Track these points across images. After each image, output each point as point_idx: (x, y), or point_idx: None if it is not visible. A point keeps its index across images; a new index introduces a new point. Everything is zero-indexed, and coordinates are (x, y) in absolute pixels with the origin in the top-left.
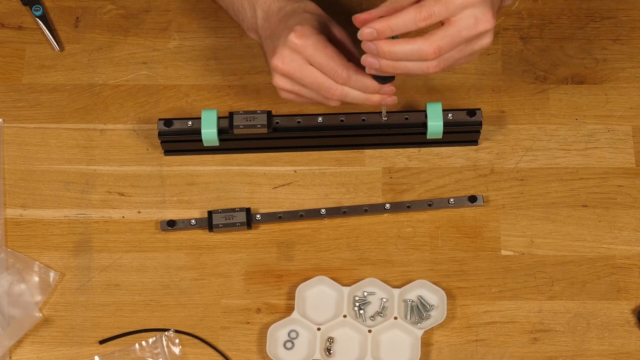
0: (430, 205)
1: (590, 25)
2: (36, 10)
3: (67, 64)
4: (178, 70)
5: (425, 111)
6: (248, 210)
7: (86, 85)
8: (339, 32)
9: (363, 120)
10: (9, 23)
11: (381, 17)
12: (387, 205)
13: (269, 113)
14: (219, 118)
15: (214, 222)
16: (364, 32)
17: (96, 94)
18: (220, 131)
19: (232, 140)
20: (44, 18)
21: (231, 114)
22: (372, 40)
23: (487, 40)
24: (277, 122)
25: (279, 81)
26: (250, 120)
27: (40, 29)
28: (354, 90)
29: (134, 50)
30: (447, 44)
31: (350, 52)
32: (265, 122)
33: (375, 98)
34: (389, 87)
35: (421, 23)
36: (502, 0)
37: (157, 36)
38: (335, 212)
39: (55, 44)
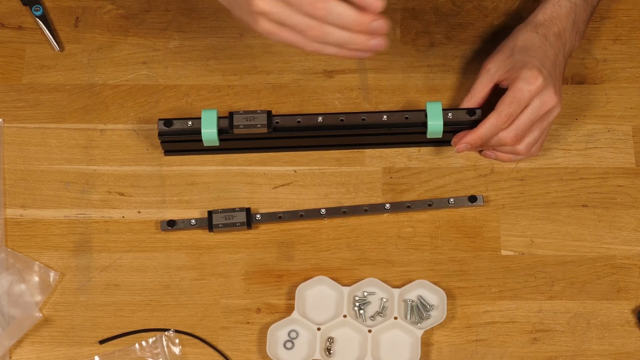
0: (430, 205)
1: (590, 25)
2: (36, 10)
3: (67, 64)
4: (178, 70)
5: (425, 110)
6: (248, 210)
7: (86, 85)
8: None
9: (363, 120)
10: (9, 23)
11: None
12: (387, 205)
13: (269, 113)
14: (219, 118)
15: (214, 222)
16: (459, 148)
17: (96, 94)
18: (220, 131)
19: (232, 140)
20: (44, 18)
21: (231, 114)
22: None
23: (555, 113)
24: (277, 122)
25: (260, 1)
26: (250, 120)
27: (40, 29)
28: (336, 30)
29: (134, 50)
30: (523, 128)
31: None
32: (265, 122)
33: (361, 39)
34: (381, 22)
35: (504, 126)
36: (567, 56)
37: (157, 36)
38: (335, 212)
39: (55, 44)
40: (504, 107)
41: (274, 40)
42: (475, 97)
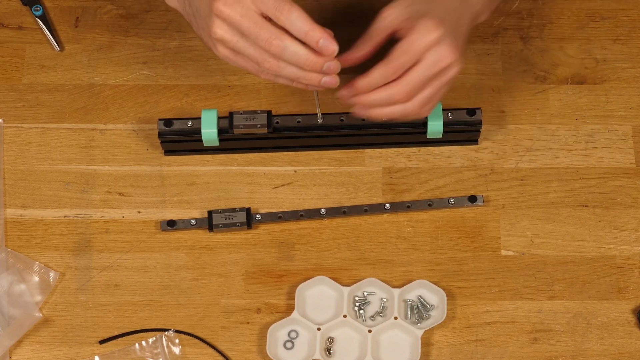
0: (430, 205)
1: (590, 25)
2: (36, 10)
3: (67, 64)
4: (178, 70)
5: None
6: (248, 210)
7: (86, 85)
8: None
9: (363, 120)
10: (9, 23)
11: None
12: (387, 205)
13: (269, 113)
14: (219, 118)
15: (214, 222)
16: (341, 94)
17: (96, 94)
18: (220, 131)
19: (232, 140)
20: (44, 18)
21: (231, 114)
22: (350, 98)
23: (453, 71)
24: (277, 122)
25: (218, 29)
26: (250, 120)
27: (40, 29)
28: (290, 66)
29: (134, 50)
30: (416, 85)
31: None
32: (265, 122)
33: (313, 77)
34: (334, 64)
35: (393, 76)
36: (473, 20)
37: (157, 36)
38: (335, 212)
39: (55, 44)
40: (394, 57)
41: (230, 64)
42: (363, 47)
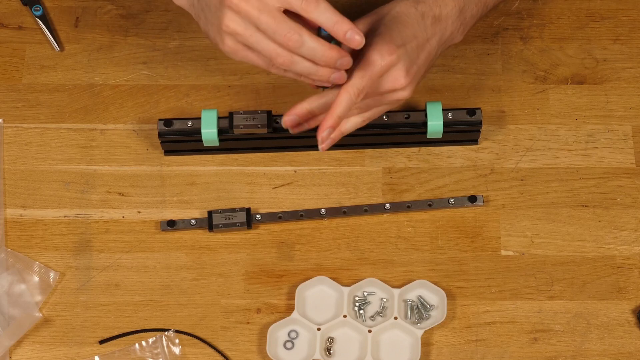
0: (430, 205)
1: (590, 25)
2: (36, 10)
3: (67, 64)
4: (178, 70)
5: (425, 110)
6: (248, 210)
7: (86, 85)
8: None
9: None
10: (9, 23)
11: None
12: (387, 205)
13: (269, 113)
14: (219, 118)
15: (214, 222)
16: (323, 138)
17: (96, 94)
18: (220, 131)
19: (232, 140)
20: (44, 18)
21: (231, 114)
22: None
23: (398, 96)
24: (277, 122)
25: (231, 22)
26: (250, 120)
27: (40, 29)
28: (304, 61)
29: (134, 50)
30: (363, 89)
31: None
32: (265, 122)
33: (324, 72)
34: (347, 60)
35: (358, 100)
36: (444, 43)
37: (157, 36)
38: (335, 212)
39: (55, 44)
40: (355, 82)
41: (235, 59)
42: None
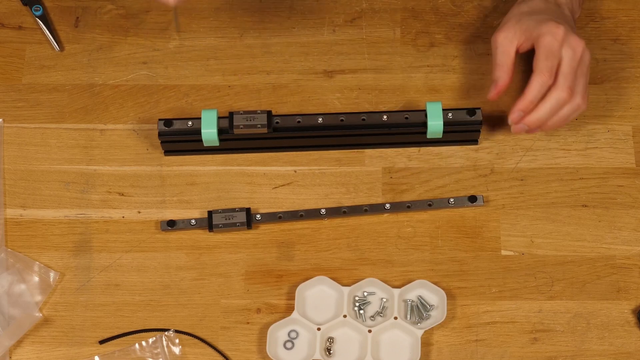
0: (430, 205)
1: (590, 25)
2: (36, 10)
3: (67, 64)
4: (178, 70)
5: (425, 110)
6: (248, 210)
7: (86, 85)
8: None
9: (363, 119)
10: (9, 23)
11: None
12: (387, 205)
13: (269, 113)
14: (219, 118)
15: (214, 222)
16: (513, 119)
17: (96, 94)
18: (221, 131)
19: (232, 140)
20: (44, 18)
21: (231, 114)
22: (521, 121)
23: (587, 56)
24: (277, 122)
25: None
26: (250, 120)
27: (40, 29)
28: None
29: (134, 50)
30: (571, 79)
31: None
32: (266, 122)
33: None
34: None
35: (550, 81)
36: (575, 12)
37: (157, 36)
38: (335, 212)
39: (55, 44)
40: (542, 63)
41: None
42: (504, 65)
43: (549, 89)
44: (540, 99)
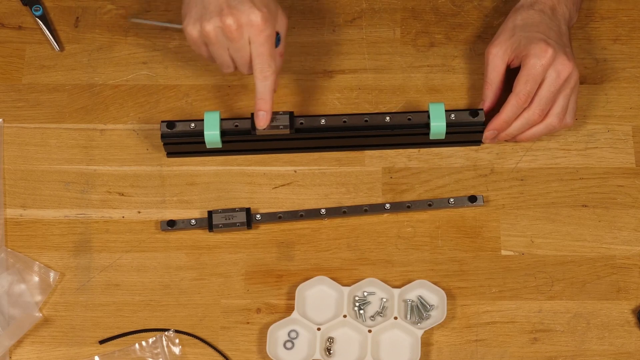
0: (430, 205)
1: (590, 25)
2: (36, 10)
3: (67, 64)
4: (178, 70)
5: (427, 112)
6: (248, 210)
7: (86, 85)
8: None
9: (366, 121)
10: (9, 23)
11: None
12: (387, 205)
13: (291, 114)
14: (221, 120)
15: (214, 222)
16: (487, 136)
17: (96, 94)
18: (223, 133)
19: (235, 142)
20: (44, 18)
21: (253, 115)
22: (494, 137)
23: (574, 78)
24: (301, 123)
25: (211, 30)
26: (272, 121)
27: (40, 29)
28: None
29: (134, 50)
30: (547, 102)
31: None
32: (288, 123)
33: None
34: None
35: (525, 104)
36: (568, 26)
37: (157, 36)
38: (335, 212)
39: (55, 44)
40: (521, 86)
41: (190, 45)
42: (492, 84)
43: (524, 110)
44: (515, 119)
